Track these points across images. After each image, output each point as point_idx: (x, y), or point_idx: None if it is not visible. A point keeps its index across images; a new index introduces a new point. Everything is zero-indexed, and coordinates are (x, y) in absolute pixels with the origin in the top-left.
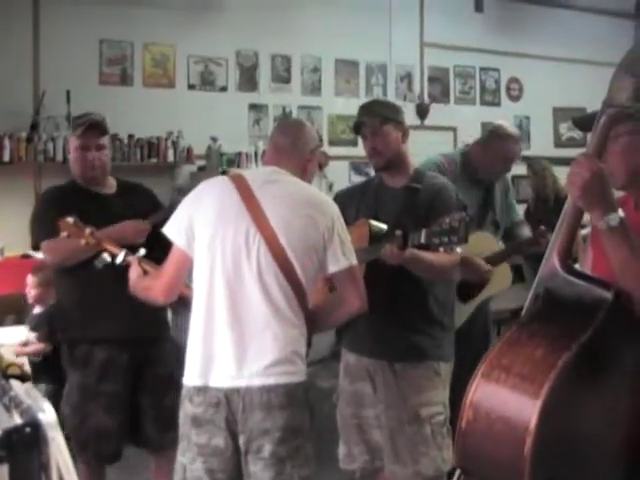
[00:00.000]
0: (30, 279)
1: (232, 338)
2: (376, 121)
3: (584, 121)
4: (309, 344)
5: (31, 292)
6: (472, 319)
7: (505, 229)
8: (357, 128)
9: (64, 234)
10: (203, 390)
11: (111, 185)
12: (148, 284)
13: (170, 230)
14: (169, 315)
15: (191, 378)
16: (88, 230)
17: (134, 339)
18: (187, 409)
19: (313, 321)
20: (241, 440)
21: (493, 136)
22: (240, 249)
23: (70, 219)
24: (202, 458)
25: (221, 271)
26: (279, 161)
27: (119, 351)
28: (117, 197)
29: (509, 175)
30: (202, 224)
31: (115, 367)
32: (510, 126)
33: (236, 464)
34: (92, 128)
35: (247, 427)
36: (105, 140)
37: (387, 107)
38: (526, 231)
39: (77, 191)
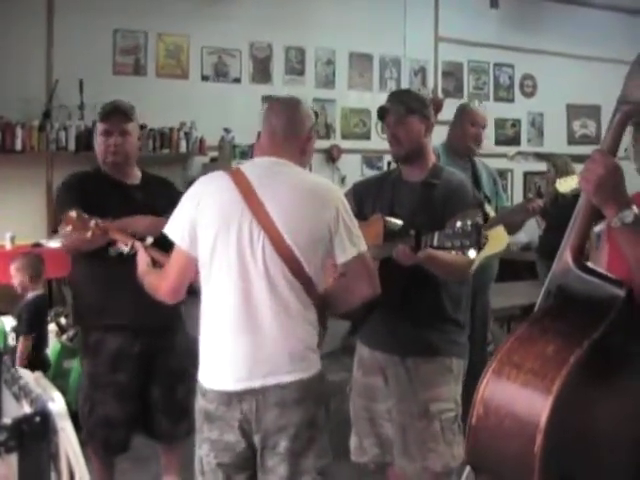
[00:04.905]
0: (12, 267)
1: (244, 340)
2: (401, 110)
3: None
4: (325, 327)
5: (15, 280)
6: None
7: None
8: (382, 114)
9: (68, 228)
10: (216, 389)
11: (136, 176)
12: (155, 283)
13: (172, 231)
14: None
15: (204, 379)
16: (93, 222)
17: (147, 329)
18: (200, 404)
19: (325, 305)
20: (256, 439)
21: (458, 112)
22: (245, 249)
23: (73, 213)
24: (214, 453)
25: (228, 273)
26: (275, 147)
27: (131, 340)
28: (140, 189)
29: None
30: (204, 225)
31: (126, 357)
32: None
33: (248, 459)
34: (116, 113)
35: (262, 426)
36: (130, 127)
37: (415, 99)
38: None
39: (100, 179)
